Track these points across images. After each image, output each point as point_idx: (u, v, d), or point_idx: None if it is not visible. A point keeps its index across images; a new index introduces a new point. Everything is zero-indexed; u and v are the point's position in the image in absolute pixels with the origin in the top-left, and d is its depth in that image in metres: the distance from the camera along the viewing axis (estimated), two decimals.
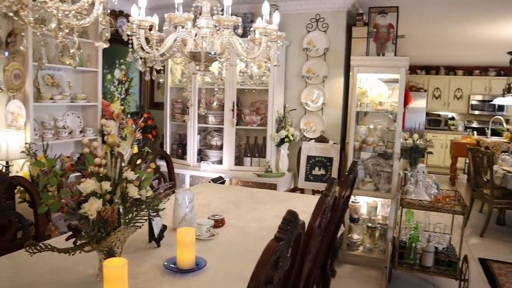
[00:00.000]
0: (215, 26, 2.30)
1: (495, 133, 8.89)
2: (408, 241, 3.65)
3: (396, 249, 3.65)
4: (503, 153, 6.00)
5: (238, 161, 4.81)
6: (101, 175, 1.68)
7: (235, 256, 2.14)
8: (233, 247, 2.28)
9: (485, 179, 5.32)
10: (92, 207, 1.60)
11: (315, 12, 4.75)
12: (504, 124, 8.56)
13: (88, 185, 1.64)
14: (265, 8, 2.32)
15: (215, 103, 2.83)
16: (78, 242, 1.67)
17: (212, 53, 2.33)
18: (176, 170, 4.89)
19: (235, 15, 5.11)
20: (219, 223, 2.56)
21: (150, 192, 1.79)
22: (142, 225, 1.78)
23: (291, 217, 1.43)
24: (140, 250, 2.12)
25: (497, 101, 8.51)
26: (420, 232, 3.72)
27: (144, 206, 1.77)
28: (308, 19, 4.78)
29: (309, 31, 4.78)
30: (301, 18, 4.80)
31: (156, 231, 2.17)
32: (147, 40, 2.18)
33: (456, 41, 6.89)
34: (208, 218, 2.54)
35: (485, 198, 5.37)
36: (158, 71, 2.33)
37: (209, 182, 3.95)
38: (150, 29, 2.19)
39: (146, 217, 1.82)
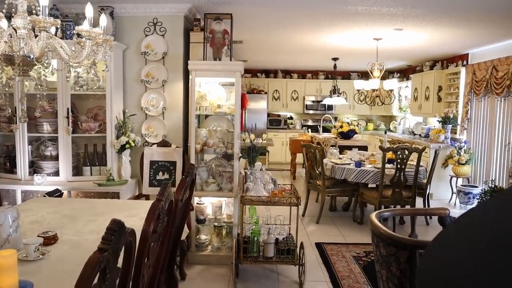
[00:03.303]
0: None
1: (326, 130, 9.92)
2: (251, 235, 3.85)
3: (240, 245, 3.82)
4: (331, 147, 6.73)
5: (77, 171, 4.52)
6: None
7: (67, 274, 2.00)
8: (66, 264, 2.13)
9: (318, 172, 5.89)
10: None
11: (153, 16, 4.70)
12: (333, 121, 9.60)
13: None
14: (89, 10, 2.22)
15: (37, 113, 2.60)
16: None
17: (31, 56, 2.15)
18: (4, 186, 4.39)
19: (67, 16, 4.75)
20: (50, 240, 2.37)
21: None
22: None
23: (115, 227, 1.39)
24: None
25: (326, 101, 9.51)
26: (262, 226, 3.96)
27: None
28: (146, 22, 4.71)
29: (147, 35, 4.71)
30: (138, 21, 4.71)
31: None
32: None
33: (289, 47, 7.49)
34: (38, 236, 2.34)
35: (318, 189, 5.95)
36: None
37: (44, 196, 3.63)
38: None
39: None
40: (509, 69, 6.16)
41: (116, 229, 1.39)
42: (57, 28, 2.21)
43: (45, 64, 2.29)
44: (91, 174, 4.46)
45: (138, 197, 4.44)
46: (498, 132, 6.62)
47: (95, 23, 2.29)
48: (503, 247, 0.82)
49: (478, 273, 0.81)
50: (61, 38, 2.27)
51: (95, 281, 1.36)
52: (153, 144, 4.56)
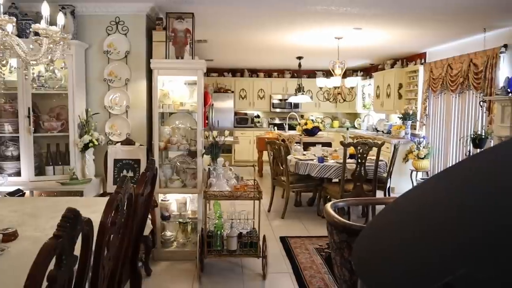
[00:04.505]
0: None
1: (291, 127, 10.09)
2: (215, 230, 3.94)
3: (204, 239, 3.90)
4: (295, 144, 6.88)
5: (40, 171, 4.48)
6: None
7: (27, 268, 2.04)
8: (25, 259, 2.14)
9: (282, 168, 6.02)
10: None
11: (115, 15, 4.71)
12: (298, 119, 9.78)
13: None
14: (45, 8, 2.26)
15: None
16: None
17: None
18: None
19: (26, 14, 4.72)
20: (10, 236, 2.39)
21: None
22: None
23: (70, 214, 1.45)
24: None
25: (292, 100, 9.68)
26: (226, 220, 4.05)
27: None
28: (108, 21, 4.72)
29: (109, 34, 4.72)
30: (100, 20, 4.71)
31: None
32: None
33: (254, 46, 7.60)
34: None
35: (283, 185, 6.08)
36: None
37: (5, 196, 3.61)
38: None
39: None
40: (462, 67, 6.46)
41: (72, 217, 1.45)
42: (13, 26, 2.23)
43: (2, 62, 2.32)
44: (54, 174, 4.44)
45: (103, 195, 4.44)
46: (453, 127, 6.93)
47: (55, 22, 2.32)
48: (430, 226, 0.92)
49: (407, 252, 0.90)
50: (18, 36, 2.30)
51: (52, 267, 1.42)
52: (117, 142, 4.57)
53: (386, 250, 0.96)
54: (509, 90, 5.12)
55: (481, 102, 6.10)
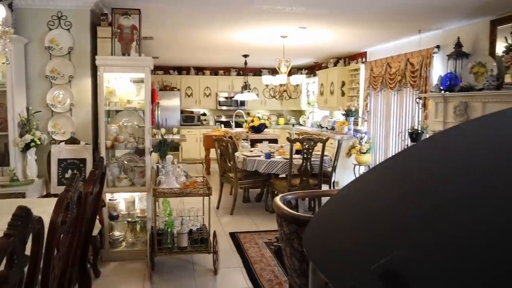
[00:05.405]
0: None
1: (238, 125, 10.17)
2: (165, 227, 3.93)
3: (154, 237, 3.89)
4: (243, 141, 6.97)
5: None
6: None
7: None
8: None
9: (230, 164, 6.08)
10: None
11: (57, 9, 4.55)
12: (245, 116, 9.88)
13: None
14: None
15: None
16: None
17: None
18: None
19: None
20: None
21: None
22: None
23: (21, 213, 1.43)
24: None
25: (238, 97, 9.76)
26: (176, 217, 4.05)
27: None
28: (49, 16, 4.55)
29: (51, 29, 4.55)
30: (41, 14, 4.52)
31: None
32: None
33: (200, 44, 7.59)
34: None
35: (231, 181, 6.14)
36: None
37: None
38: None
39: None
40: (400, 66, 6.81)
41: (23, 215, 1.43)
42: None
43: None
44: None
45: (47, 197, 4.29)
46: (393, 122, 7.29)
47: None
48: (368, 212, 1.01)
49: (349, 235, 0.98)
50: None
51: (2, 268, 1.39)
52: (61, 141, 4.43)
53: (332, 235, 1.04)
54: (441, 87, 5.47)
55: (417, 99, 6.47)
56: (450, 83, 5.34)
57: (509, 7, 4.69)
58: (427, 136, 5.96)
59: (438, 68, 6.02)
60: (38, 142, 4.19)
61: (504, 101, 4.53)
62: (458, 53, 5.39)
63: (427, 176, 0.94)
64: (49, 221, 1.88)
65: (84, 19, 4.61)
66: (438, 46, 6.04)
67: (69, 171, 4.24)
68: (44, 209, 3.04)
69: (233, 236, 5.03)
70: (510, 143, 0.86)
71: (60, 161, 4.26)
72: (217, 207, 6.25)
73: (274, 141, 8.19)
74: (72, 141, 4.40)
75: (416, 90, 6.45)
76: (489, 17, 5.11)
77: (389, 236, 0.83)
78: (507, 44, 4.56)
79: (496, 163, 0.81)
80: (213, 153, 9.17)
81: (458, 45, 5.40)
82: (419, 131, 5.96)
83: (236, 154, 6.09)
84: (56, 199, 3.72)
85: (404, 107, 6.96)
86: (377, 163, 7.51)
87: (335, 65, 9.30)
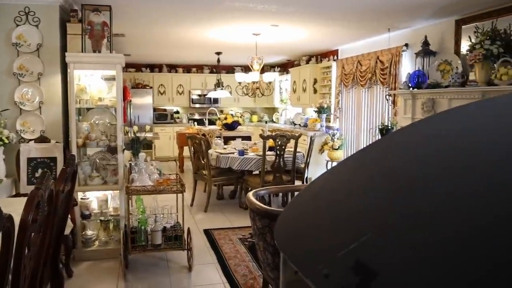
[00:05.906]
0: None
1: (212, 122, 10.17)
2: (138, 225, 3.91)
3: (128, 235, 3.87)
4: (216, 138, 6.98)
5: None
6: None
7: None
8: None
9: (203, 162, 6.08)
10: None
11: (24, 4, 4.45)
12: (218, 114, 9.88)
13: None
14: None
15: None
16: None
17: None
18: None
19: None
20: None
21: None
22: None
23: None
24: None
25: (211, 95, 9.75)
26: (149, 215, 4.03)
27: None
28: (16, 11, 4.44)
29: (18, 25, 4.45)
30: (7, 9, 4.41)
31: None
32: None
33: (172, 42, 7.54)
34: None
35: (205, 178, 6.14)
36: None
37: None
38: None
39: None
40: (370, 63, 6.95)
41: None
42: None
43: None
44: None
45: (16, 196, 4.20)
46: (364, 119, 7.44)
47: None
48: (336, 202, 1.05)
49: (319, 225, 1.02)
50: None
51: None
52: (30, 140, 4.34)
53: (302, 226, 1.08)
54: (410, 84, 5.62)
55: (387, 96, 6.63)
56: (418, 81, 5.50)
57: (473, 7, 4.86)
58: None
59: (407, 66, 6.18)
60: (6, 141, 4.10)
61: (468, 98, 4.69)
62: (426, 51, 5.55)
63: (391, 164, 1.00)
64: (19, 220, 1.85)
65: (53, 15, 4.53)
66: (406, 45, 6.20)
67: (39, 170, 4.17)
68: (13, 209, 2.99)
69: (207, 233, 5.05)
70: (471, 135, 0.92)
71: (29, 160, 4.19)
72: (191, 205, 6.25)
73: (248, 138, 8.24)
74: (42, 139, 4.32)
75: (386, 87, 6.60)
76: (455, 16, 5.28)
77: (356, 223, 0.88)
78: (470, 43, 4.73)
79: (458, 151, 0.88)
80: (186, 151, 9.16)
81: (426, 43, 5.56)
82: (389, 127, 6.11)
83: (210, 151, 6.10)
84: (24, 198, 3.67)
85: (375, 104, 7.11)
86: None
87: (307, 62, 9.40)
